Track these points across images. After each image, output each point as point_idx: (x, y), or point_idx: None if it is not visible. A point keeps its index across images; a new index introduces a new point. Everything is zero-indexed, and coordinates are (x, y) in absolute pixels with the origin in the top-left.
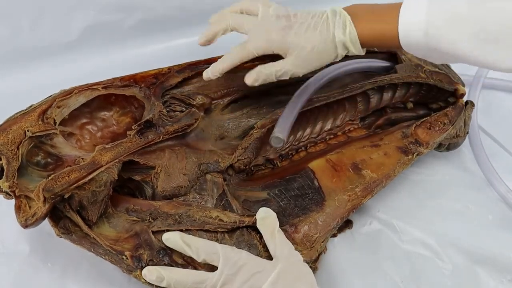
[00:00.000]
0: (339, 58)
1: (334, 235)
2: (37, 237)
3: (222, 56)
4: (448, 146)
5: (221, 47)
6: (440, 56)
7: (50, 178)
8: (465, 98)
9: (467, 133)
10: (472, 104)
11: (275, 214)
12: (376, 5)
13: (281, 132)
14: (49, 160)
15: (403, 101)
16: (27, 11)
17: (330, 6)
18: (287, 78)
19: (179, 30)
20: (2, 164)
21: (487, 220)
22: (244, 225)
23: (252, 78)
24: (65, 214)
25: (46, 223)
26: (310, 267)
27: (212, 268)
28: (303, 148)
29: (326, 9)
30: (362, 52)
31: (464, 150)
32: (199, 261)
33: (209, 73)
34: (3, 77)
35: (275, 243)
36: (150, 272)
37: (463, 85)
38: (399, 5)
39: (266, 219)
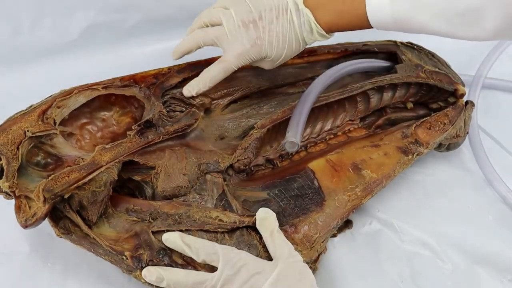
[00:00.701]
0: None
1: (334, 235)
2: (37, 237)
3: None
4: (448, 146)
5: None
6: (413, 32)
7: (50, 178)
8: (465, 98)
9: (467, 133)
10: (472, 104)
11: (274, 215)
12: None
13: (294, 136)
14: (49, 160)
15: (403, 101)
16: (27, 11)
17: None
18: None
19: (179, 30)
20: (2, 164)
21: (487, 220)
22: (244, 225)
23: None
24: (65, 214)
25: (46, 223)
26: (310, 267)
27: (212, 268)
28: (303, 148)
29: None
30: (328, 38)
31: (464, 150)
32: (199, 261)
33: (190, 91)
34: (3, 77)
35: (275, 243)
36: (150, 273)
37: (463, 85)
38: None
39: (266, 220)
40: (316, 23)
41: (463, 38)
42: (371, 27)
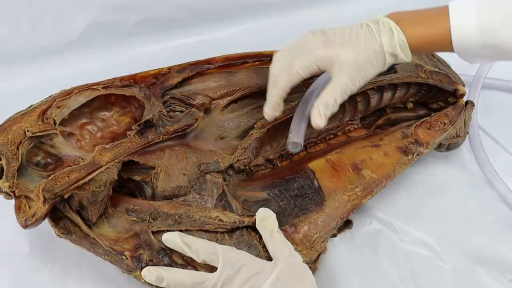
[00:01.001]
0: (387, 67)
1: (334, 235)
2: (37, 237)
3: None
4: (448, 146)
5: (221, 45)
6: (495, 52)
7: (50, 178)
8: (465, 98)
9: (467, 133)
10: (472, 104)
11: (274, 215)
12: (420, 11)
13: (296, 136)
14: (49, 160)
15: (403, 101)
16: (27, 11)
17: (366, 19)
18: (348, 96)
19: (179, 30)
20: (2, 164)
21: (487, 220)
22: (244, 225)
23: (318, 119)
24: (65, 214)
25: (46, 223)
26: (310, 267)
27: (211, 268)
28: (303, 148)
29: (362, 20)
30: (411, 58)
31: (464, 150)
32: (199, 261)
33: (269, 113)
34: (3, 77)
35: (275, 243)
36: (150, 273)
37: (463, 85)
38: (445, 8)
39: (265, 220)
40: (396, 26)
41: None
42: (452, 48)
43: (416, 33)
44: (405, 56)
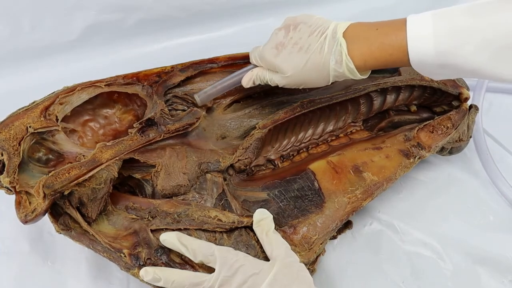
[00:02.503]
0: (331, 82)
1: (334, 237)
2: (37, 236)
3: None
4: (451, 150)
5: (222, 45)
6: (453, 72)
7: (50, 174)
8: (469, 102)
9: (470, 137)
10: (476, 108)
11: (271, 216)
12: (378, 24)
13: (199, 94)
14: (50, 156)
15: (407, 104)
16: (27, 11)
17: (334, 23)
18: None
19: (179, 30)
20: (3, 159)
21: (488, 220)
22: (243, 225)
23: (247, 78)
24: (65, 210)
25: (47, 222)
26: (308, 268)
27: (209, 268)
28: (304, 149)
29: (331, 22)
30: (362, 77)
31: (465, 151)
32: (196, 262)
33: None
34: (3, 77)
35: (271, 243)
36: (147, 273)
37: (468, 89)
38: (402, 23)
39: (262, 221)
40: (347, 55)
41: (502, 77)
42: (409, 63)
43: (371, 55)
44: (355, 77)
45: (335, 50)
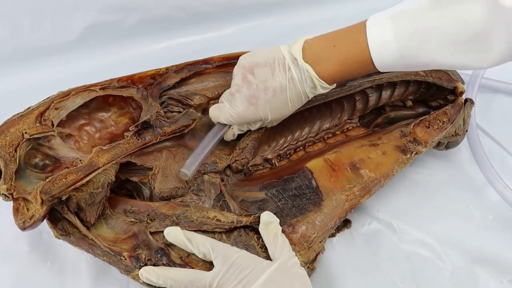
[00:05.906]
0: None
1: (333, 235)
2: (37, 236)
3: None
4: (447, 144)
5: (222, 45)
6: (421, 68)
7: (47, 180)
8: (463, 97)
9: (466, 131)
10: (472, 102)
11: (278, 220)
12: (335, 39)
13: (189, 167)
14: (47, 162)
15: (402, 99)
16: (27, 11)
17: (284, 47)
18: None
19: (179, 30)
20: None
21: (487, 220)
22: (242, 225)
23: (230, 135)
24: (63, 215)
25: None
26: (308, 267)
27: (208, 267)
28: (301, 147)
29: (281, 49)
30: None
31: (463, 150)
32: (199, 255)
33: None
34: (3, 77)
35: (276, 245)
36: (146, 272)
37: (463, 83)
38: (362, 33)
39: (270, 225)
40: (318, 78)
41: (469, 67)
42: (377, 70)
43: (339, 73)
44: (326, 91)
45: (305, 78)
